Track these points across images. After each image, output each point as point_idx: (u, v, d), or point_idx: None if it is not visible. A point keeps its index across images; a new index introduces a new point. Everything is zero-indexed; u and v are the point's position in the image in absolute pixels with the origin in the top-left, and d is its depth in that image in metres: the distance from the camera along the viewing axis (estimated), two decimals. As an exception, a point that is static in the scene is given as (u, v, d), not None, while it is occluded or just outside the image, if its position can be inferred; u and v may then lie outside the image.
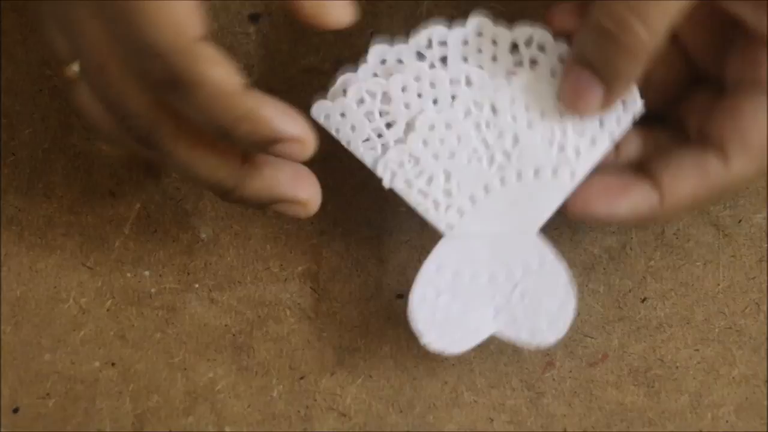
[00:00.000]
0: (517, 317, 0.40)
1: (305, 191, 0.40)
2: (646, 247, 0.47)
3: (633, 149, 0.42)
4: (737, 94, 0.40)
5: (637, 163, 0.41)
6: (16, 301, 0.45)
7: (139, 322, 0.45)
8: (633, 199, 0.39)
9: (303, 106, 0.49)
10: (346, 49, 0.51)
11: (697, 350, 0.45)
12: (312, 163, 0.48)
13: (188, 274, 0.46)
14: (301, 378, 0.45)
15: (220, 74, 0.36)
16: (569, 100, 0.40)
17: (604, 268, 0.46)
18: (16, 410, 0.44)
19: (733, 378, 0.45)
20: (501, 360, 0.45)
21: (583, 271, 0.46)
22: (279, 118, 0.37)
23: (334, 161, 0.49)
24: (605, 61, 0.39)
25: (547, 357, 0.45)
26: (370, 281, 0.46)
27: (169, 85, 0.36)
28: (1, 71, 0.48)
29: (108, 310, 0.45)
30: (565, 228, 0.47)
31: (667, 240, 0.47)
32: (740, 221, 0.47)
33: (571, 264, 0.46)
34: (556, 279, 0.40)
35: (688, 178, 0.39)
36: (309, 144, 0.37)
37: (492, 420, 0.44)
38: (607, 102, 0.40)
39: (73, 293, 0.46)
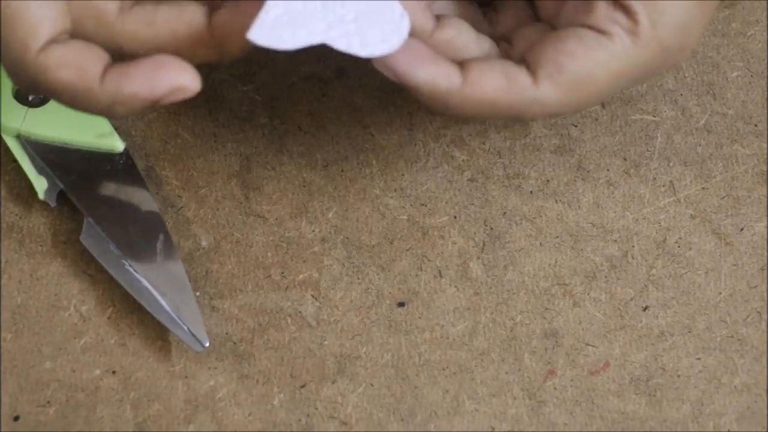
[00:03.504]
0: (349, 32, 0.39)
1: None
2: (648, 256, 0.47)
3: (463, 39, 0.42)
4: (567, 29, 0.41)
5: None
6: (17, 308, 0.46)
7: (140, 330, 0.46)
8: (436, 71, 0.39)
9: (304, 112, 0.50)
10: (347, 57, 0.51)
11: (699, 359, 0.45)
12: (314, 171, 0.49)
13: (189, 281, 0.46)
14: (302, 386, 0.45)
15: (68, 78, 0.38)
16: None
17: (606, 277, 0.47)
18: (16, 418, 0.44)
19: (735, 387, 0.45)
20: (502, 368, 0.45)
21: (584, 279, 0.47)
22: (145, 85, 0.38)
23: (335, 168, 0.50)
24: None
25: (548, 365, 0.45)
26: (371, 289, 0.46)
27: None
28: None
29: (109, 317, 0.46)
30: (566, 236, 0.48)
31: (668, 248, 0.47)
32: (742, 229, 0.48)
33: (573, 272, 0.47)
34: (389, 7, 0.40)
35: (496, 78, 0.40)
36: (190, 84, 0.38)
37: (493, 429, 0.44)
38: None
39: (74, 301, 0.46)
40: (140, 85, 0.38)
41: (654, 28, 0.40)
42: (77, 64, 0.38)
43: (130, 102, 0.38)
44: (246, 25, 0.39)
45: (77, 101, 0.38)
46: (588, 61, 0.40)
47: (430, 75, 0.39)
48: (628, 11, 0.40)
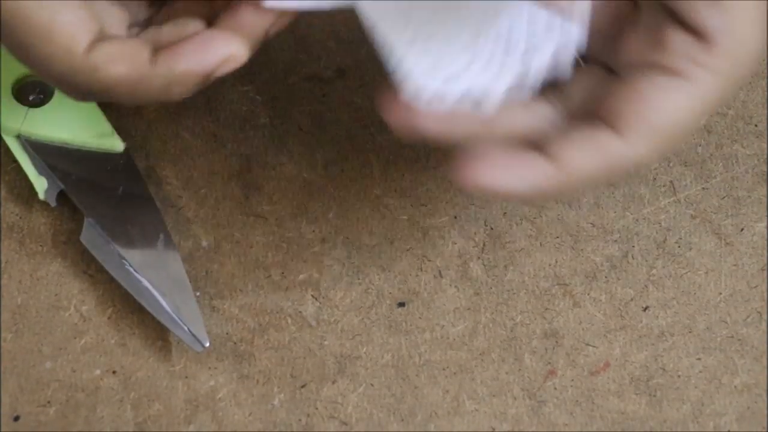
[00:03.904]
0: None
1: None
2: (648, 256, 0.47)
3: (525, 120, 0.40)
4: (637, 75, 0.39)
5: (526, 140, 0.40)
6: (17, 308, 0.46)
7: (140, 330, 0.46)
8: (527, 173, 0.38)
9: (304, 113, 0.50)
10: (347, 58, 0.51)
11: (699, 359, 0.45)
12: (314, 171, 0.49)
13: (189, 282, 0.46)
14: (303, 386, 0.45)
15: (122, 70, 0.38)
16: None
17: (606, 277, 0.47)
18: (16, 418, 0.44)
19: (735, 387, 0.45)
20: (502, 368, 0.45)
21: (585, 279, 0.47)
22: (197, 60, 0.38)
23: (335, 169, 0.50)
24: None
25: (548, 365, 0.45)
26: (371, 289, 0.47)
27: (94, 96, 0.39)
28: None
29: (109, 317, 0.46)
30: (566, 237, 0.48)
31: (668, 248, 0.47)
32: (742, 230, 0.48)
33: (573, 272, 0.47)
34: None
35: (585, 152, 0.38)
36: (238, 51, 0.39)
37: (494, 429, 0.44)
38: None
39: (74, 301, 0.46)
40: (192, 60, 0.38)
41: (733, 59, 0.38)
42: (126, 55, 0.38)
43: (184, 80, 0.38)
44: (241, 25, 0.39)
45: (134, 92, 0.38)
46: (673, 110, 0.38)
47: (525, 178, 0.38)
48: (708, 41, 0.38)
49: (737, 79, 0.39)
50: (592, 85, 0.40)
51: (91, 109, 0.48)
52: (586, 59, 0.41)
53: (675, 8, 0.38)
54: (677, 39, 0.38)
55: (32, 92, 0.48)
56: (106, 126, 0.48)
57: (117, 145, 0.48)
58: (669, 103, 0.38)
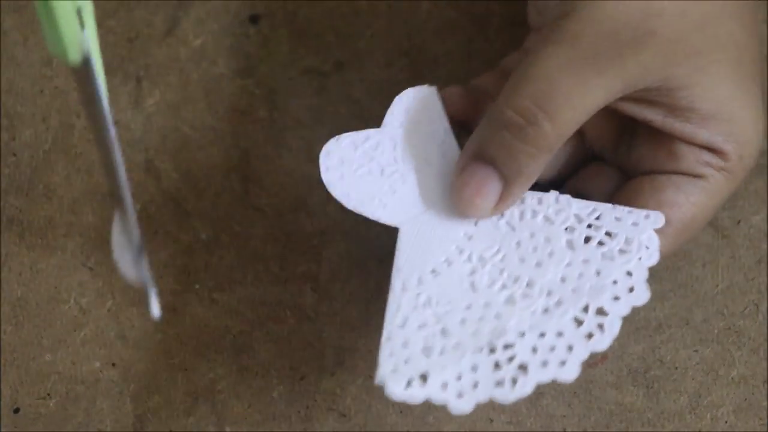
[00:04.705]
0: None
1: None
2: (646, 248, 0.47)
3: None
4: (655, 176, 0.42)
5: None
6: (17, 301, 0.46)
7: (139, 323, 0.46)
8: None
9: (303, 106, 0.50)
10: (345, 51, 0.51)
11: (696, 351, 0.46)
12: (313, 164, 0.49)
13: (188, 274, 0.46)
14: (302, 378, 0.45)
15: None
16: (465, 199, 0.40)
17: (604, 269, 0.47)
18: (16, 410, 0.44)
19: (732, 379, 0.45)
20: (501, 360, 0.45)
21: (582, 271, 0.47)
22: None
23: (334, 162, 0.49)
24: (507, 156, 0.39)
25: (546, 357, 0.45)
26: (370, 281, 0.47)
27: None
28: (2, 71, 0.48)
29: (108, 310, 0.46)
30: (564, 229, 0.48)
31: (666, 241, 0.47)
32: (739, 222, 0.48)
33: (571, 265, 0.47)
34: None
35: None
36: None
37: (492, 420, 0.44)
38: (504, 200, 0.40)
39: (74, 294, 0.46)
40: None
41: (741, 159, 0.41)
42: None
43: None
44: None
45: None
46: (690, 206, 0.41)
47: None
48: (717, 151, 0.41)
49: (745, 171, 0.42)
50: (610, 183, 0.43)
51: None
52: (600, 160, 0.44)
53: (676, 134, 0.41)
54: (687, 151, 0.41)
55: None
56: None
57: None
58: (687, 200, 0.41)
